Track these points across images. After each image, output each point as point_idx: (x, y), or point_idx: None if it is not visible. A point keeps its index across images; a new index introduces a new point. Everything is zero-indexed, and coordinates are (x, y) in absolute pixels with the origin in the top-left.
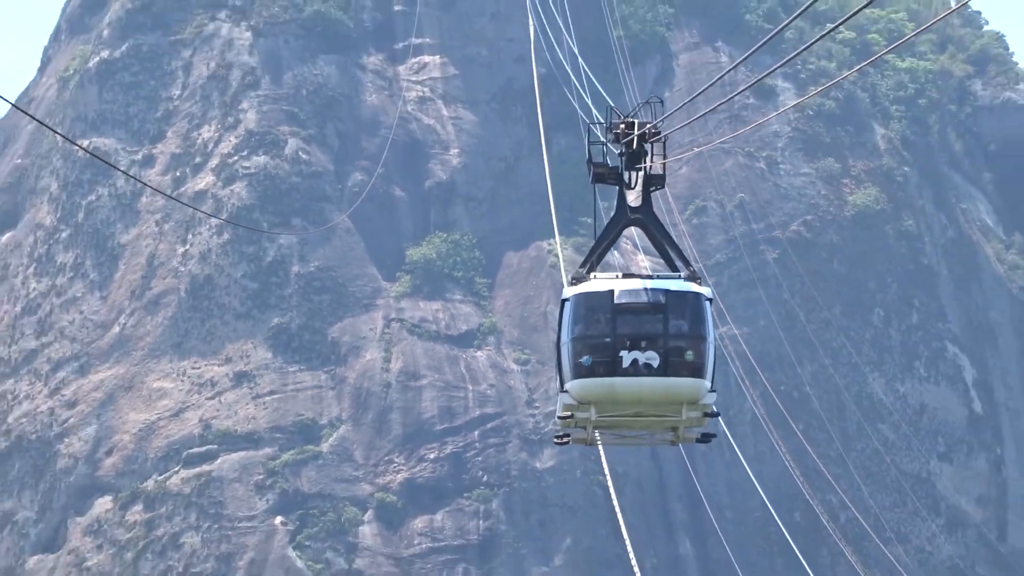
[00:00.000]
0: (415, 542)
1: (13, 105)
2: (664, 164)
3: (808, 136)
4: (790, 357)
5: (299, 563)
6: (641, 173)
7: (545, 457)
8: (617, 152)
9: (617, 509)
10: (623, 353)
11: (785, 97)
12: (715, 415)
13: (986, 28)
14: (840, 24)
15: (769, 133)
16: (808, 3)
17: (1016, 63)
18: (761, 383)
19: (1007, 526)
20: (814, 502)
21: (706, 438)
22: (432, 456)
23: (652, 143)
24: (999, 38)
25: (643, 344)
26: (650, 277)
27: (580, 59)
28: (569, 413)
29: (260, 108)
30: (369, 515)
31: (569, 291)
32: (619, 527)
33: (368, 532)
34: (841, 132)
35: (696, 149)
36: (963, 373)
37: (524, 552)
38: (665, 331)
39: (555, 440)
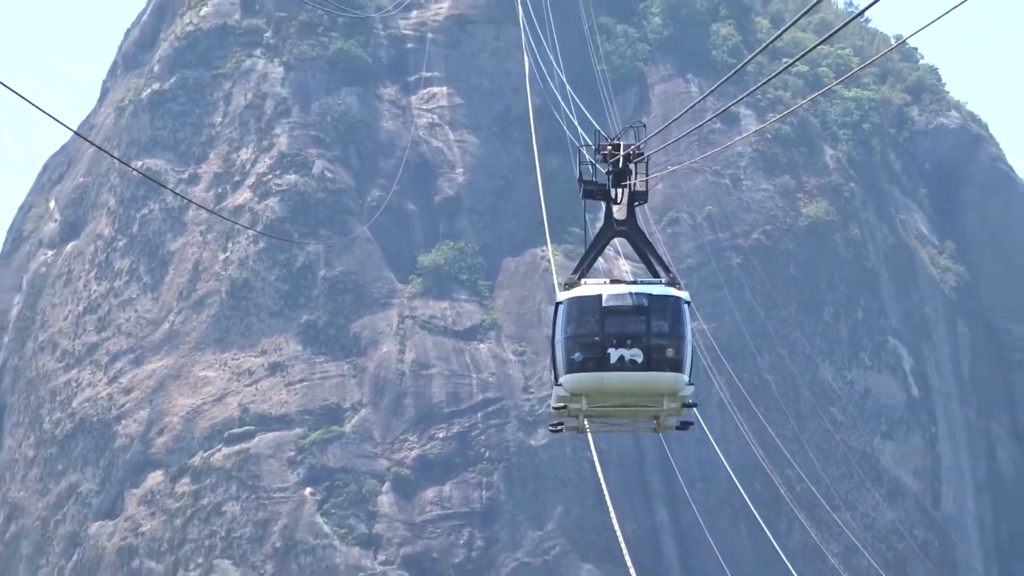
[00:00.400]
0: (426, 510)
1: (75, 133)
2: (647, 181)
3: (767, 156)
4: (751, 349)
5: (326, 528)
6: (626, 190)
7: (539, 436)
8: (605, 171)
9: (602, 481)
10: (610, 350)
11: (747, 122)
12: (693, 405)
13: (921, 62)
14: (795, 61)
15: (733, 154)
16: (767, 43)
17: (947, 92)
18: (727, 371)
19: (940, 495)
20: (773, 475)
21: (684, 426)
22: (441, 435)
23: (636, 163)
24: (933, 71)
25: (628, 342)
26: (634, 282)
27: (569, 89)
28: (563, 404)
29: (291, 133)
30: (386, 487)
31: (562, 295)
32: (604, 497)
33: (386, 501)
34: (796, 153)
35: (670, 168)
36: (902, 362)
37: (521, 519)
38: (648, 331)
39: (550, 428)
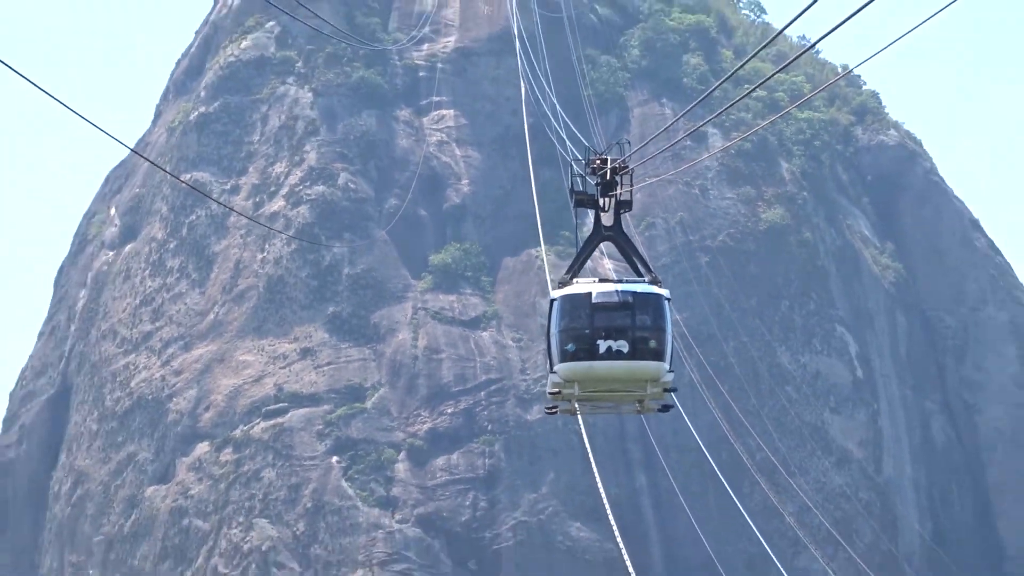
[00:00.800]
0: (437, 476)
1: (132, 150)
2: (631, 191)
3: (731, 169)
4: (718, 336)
5: (350, 491)
6: (613, 199)
7: (534, 412)
8: (593, 183)
9: (589, 451)
10: (600, 342)
11: (714, 140)
12: (673, 390)
13: (864, 88)
14: (756, 87)
15: (702, 167)
16: (731, 72)
17: (887, 114)
18: (696, 355)
19: (881, 462)
20: (737, 445)
21: (665, 408)
22: (449, 411)
23: (621, 175)
24: (874, 95)
25: (615, 334)
26: (620, 281)
27: (560, 111)
28: (557, 390)
29: (319, 150)
30: (402, 455)
31: (556, 293)
32: (590, 465)
33: (402, 468)
34: (756, 166)
35: (649, 180)
36: (848, 347)
37: (518, 483)
38: (633, 324)
39: (547, 410)
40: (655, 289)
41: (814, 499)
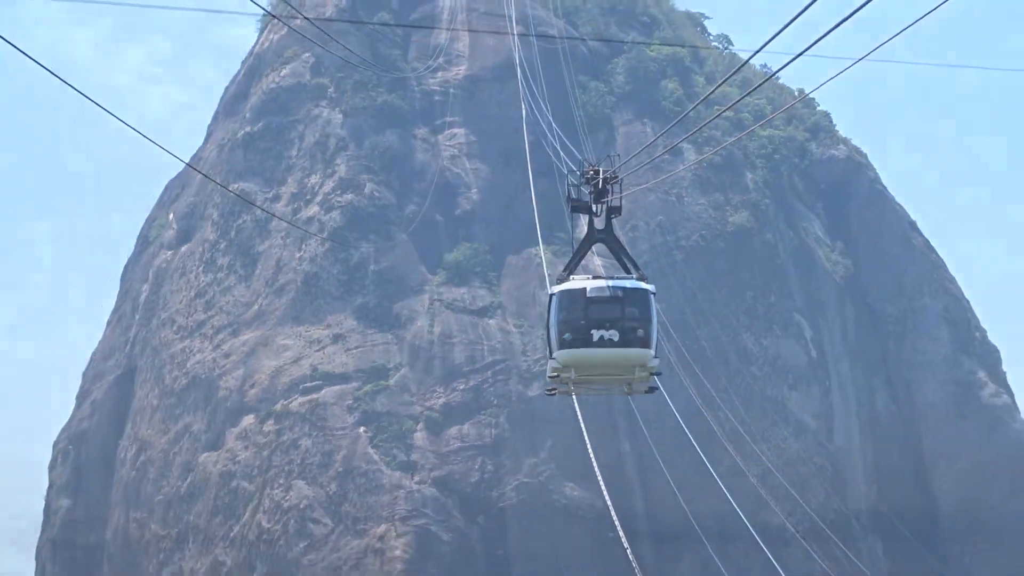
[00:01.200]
0: (450, 443)
1: (187, 164)
2: (621, 198)
3: (703, 179)
4: (692, 323)
5: (375, 457)
6: (605, 205)
7: (534, 388)
8: (587, 191)
9: (581, 421)
10: (593, 331)
11: (688, 154)
12: (658, 374)
13: (818, 109)
14: (725, 110)
15: (678, 178)
16: (702, 98)
17: (837, 131)
18: (674, 340)
19: (833, 432)
20: (709, 417)
21: (651, 390)
22: (461, 388)
23: (612, 184)
24: (826, 115)
25: (607, 325)
26: (611, 278)
27: (556, 129)
28: (556, 373)
29: (348, 163)
30: (420, 426)
31: (555, 289)
32: (582, 433)
33: (420, 437)
34: (724, 177)
35: (632, 189)
36: (804, 332)
37: (520, 450)
38: (622, 316)
39: (547, 392)
40: (642, 285)
41: (775, 463)
